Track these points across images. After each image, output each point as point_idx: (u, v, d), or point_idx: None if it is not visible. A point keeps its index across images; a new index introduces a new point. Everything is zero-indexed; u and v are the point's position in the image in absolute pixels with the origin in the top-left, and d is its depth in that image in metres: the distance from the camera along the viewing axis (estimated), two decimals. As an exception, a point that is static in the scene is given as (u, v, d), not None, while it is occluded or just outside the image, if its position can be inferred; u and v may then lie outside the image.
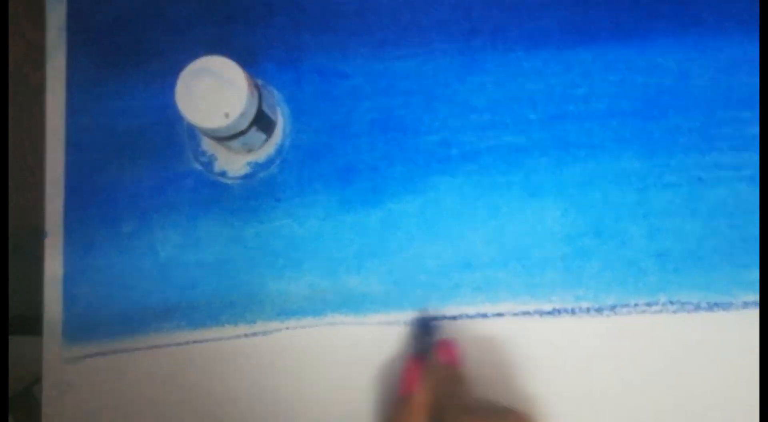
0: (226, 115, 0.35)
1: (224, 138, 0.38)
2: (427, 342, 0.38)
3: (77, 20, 0.44)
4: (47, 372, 0.41)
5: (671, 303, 0.38)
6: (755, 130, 0.39)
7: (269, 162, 0.42)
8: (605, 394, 0.38)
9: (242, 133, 0.37)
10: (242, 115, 0.36)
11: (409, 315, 0.39)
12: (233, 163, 0.42)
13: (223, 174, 0.42)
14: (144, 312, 0.41)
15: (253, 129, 0.38)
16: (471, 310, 0.39)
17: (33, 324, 0.41)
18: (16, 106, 0.45)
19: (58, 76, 0.44)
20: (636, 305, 0.38)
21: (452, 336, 0.38)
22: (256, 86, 0.37)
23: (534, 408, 0.37)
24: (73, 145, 0.43)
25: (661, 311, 0.38)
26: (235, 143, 0.39)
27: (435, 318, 0.39)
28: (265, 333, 0.40)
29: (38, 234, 0.42)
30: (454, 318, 0.39)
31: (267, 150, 0.42)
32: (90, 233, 0.42)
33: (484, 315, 0.39)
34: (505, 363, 0.38)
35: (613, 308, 0.38)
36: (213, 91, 0.35)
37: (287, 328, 0.40)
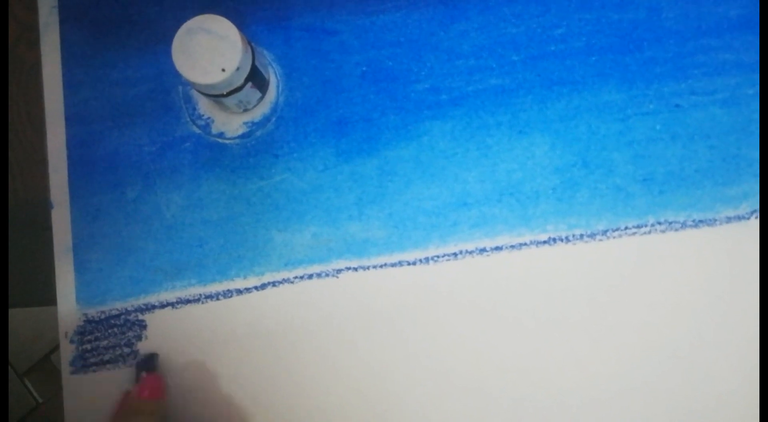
0: (223, 70, 0.37)
1: (221, 95, 0.39)
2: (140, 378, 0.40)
3: (67, -3, 0.45)
4: (64, 339, 0.43)
5: (659, 223, 0.40)
6: (725, 56, 0.41)
7: (265, 120, 0.43)
8: (601, 315, 0.40)
9: (238, 89, 0.39)
10: (238, 69, 0.37)
11: (411, 255, 0.41)
12: (230, 124, 0.43)
13: (221, 135, 0.43)
14: (154, 273, 0.42)
15: (248, 85, 0.39)
16: (470, 246, 0.41)
17: (47, 295, 0.43)
18: (13, 86, 0.46)
19: (53, 52, 0.45)
20: (626, 228, 0.40)
21: (157, 372, 0.40)
22: (249, 43, 0.39)
23: None
24: (72, 117, 0.44)
25: (650, 232, 0.40)
26: (232, 101, 0.40)
27: (153, 357, 0.41)
28: (274, 283, 0.42)
29: (45, 206, 0.43)
30: (454, 254, 0.41)
31: (262, 109, 0.43)
32: (96, 201, 0.43)
33: (483, 250, 0.41)
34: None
35: (604, 233, 0.40)
36: (208, 48, 0.37)
37: (295, 277, 0.41)
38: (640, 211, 0.40)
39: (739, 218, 0.39)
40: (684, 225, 0.40)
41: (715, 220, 0.40)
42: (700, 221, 0.40)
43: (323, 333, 0.41)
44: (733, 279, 0.39)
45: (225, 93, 0.39)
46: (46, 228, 0.43)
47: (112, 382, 0.42)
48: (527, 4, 0.42)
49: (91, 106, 0.44)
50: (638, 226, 0.40)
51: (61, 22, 0.45)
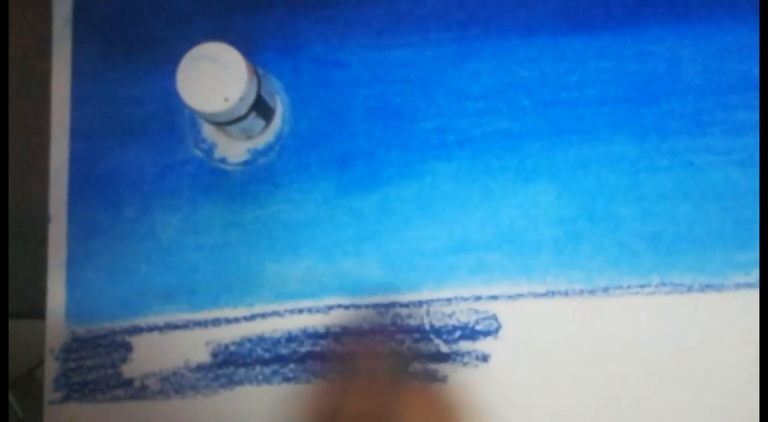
0: (226, 100, 0.36)
1: (224, 123, 0.39)
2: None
3: (83, 12, 0.45)
4: (50, 356, 0.42)
5: (664, 284, 0.38)
6: (745, 115, 0.39)
7: (268, 149, 0.42)
8: (598, 375, 0.38)
9: (242, 118, 0.38)
10: (241, 99, 0.37)
11: (405, 297, 0.40)
12: (233, 150, 0.43)
13: (223, 160, 0.43)
14: (145, 295, 0.42)
15: (252, 115, 0.39)
16: (466, 292, 0.40)
17: (36, 308, 0.42)
18: (22, 96, 0.46)
19: (64, 66, 0.45)
20: (629, 287, 0.39)
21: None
22: (256, 73, 0.38)
23: None
24: (77, 132, 0.44)
25: (654, 292, 0.38)
26: (235, 129, 0.40)
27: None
28: (263, 315, 0.41)
29: (42, 220, 0.43)
30: (449, 300, 0.40)
31: (266, 137, 0.42)
32: (93, 218, 0.43)
33: (479, 298, 0.39)
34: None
35: (606, 290, 0.39)
36: (213, 76, 0.36)
37: (285, 311, 0.41)
38: (644, 270, 0.39)
39: (749, 285, 0.38)
40: (690, 289, 0.38)
41: (723, 286, 0.38)
42: (708, 285, 0.38)
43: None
44: (738, 349, 0.37)
45: (227, 121, 0.38)
46: (42, 241, 0.43)
47: (93, 404, 0.41)
48: (542, 49, 0.41)
49: (96, 122, 0.44)
50: (642, 286, 0.38)
51: (74, 37, 0.45)
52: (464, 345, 0.39)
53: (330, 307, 0.40)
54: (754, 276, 0.38)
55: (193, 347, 0.41)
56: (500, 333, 0.39)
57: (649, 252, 0.39)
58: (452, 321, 0.39)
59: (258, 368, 0.40)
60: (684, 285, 0.38)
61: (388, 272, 0.40)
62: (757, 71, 0.40)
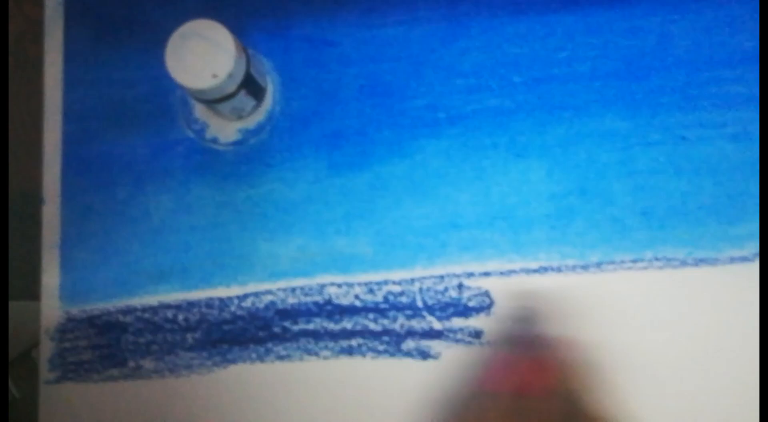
0: (214, 76, 0.36)
1: (214, 101, 0.39)
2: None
3: (75, -4, 0.45)
4: (45, 336, 0.42)
5: (657, 259, 0.38)
6: (737, 89, 0.39)
7: (259, 128, 0.42)
8: (592, 351, 0.38)
9: (231, 96, 0.38)
10: (230, 76, 0.37)
11: (397, 274, 0.40)
12: (224, 130, 0.43)
13: (214, 140, 0.43)
14: (139, 275, 0.42)
15: (242, 93, 0.39)
16: (458, 269, 0.40)
17: (31, 290, 0.42)
18: (15, 80, 0.46)
19: (56, 49, 0.45)
20: (622, 262, 0.38)
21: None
22: (245, 50, 0.38)
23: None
24: (70, 115, 0.44)
25: (647, 267, 0.38)
26: (226, 107, 0.40)
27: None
28: (257, 294, 0.41)
29: (36, 201, 0.43)
30: (441, 277, 0.40)
31: (257, 116, 0.43)
32: (86, 200, 0.43)
33: (471, 274, 0.39)
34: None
35: (599, 265, 0.39)
36: (201, 53, 0.36)
37: (278, 289, 0.41)
38: (637, 245, 0.38)
39: (743, 259, 0.37)
40: (684, 263, 0.38)
41: (717, 260, 0.38)
42: (701, 260, 0.38)
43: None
44: (733, 324, 0.37)
45: (217, 99, 0.38)
46: (35, 223, 0.43)
47: (88, 384, 0.41)
48: (532, 25, 0.41)
49: (89, 104, 0.44)
50: (635, 261, 0.38)
51: (66, 20, 0.45)
52: (457, 322, 0.39)
53: (323, 286, 0.40)
54: (748, 249, 0.38)
55: (186, 326, 0.41)
56: (493, 310, 0.39)
57: (641, 228, 0.38)
58: (444, 298, 0.39)
59: (251, 346, 0.40)
60: (677, 259, 0.38)
61: (380, 250, 0.40)
62: (748, 45, 0.40)
